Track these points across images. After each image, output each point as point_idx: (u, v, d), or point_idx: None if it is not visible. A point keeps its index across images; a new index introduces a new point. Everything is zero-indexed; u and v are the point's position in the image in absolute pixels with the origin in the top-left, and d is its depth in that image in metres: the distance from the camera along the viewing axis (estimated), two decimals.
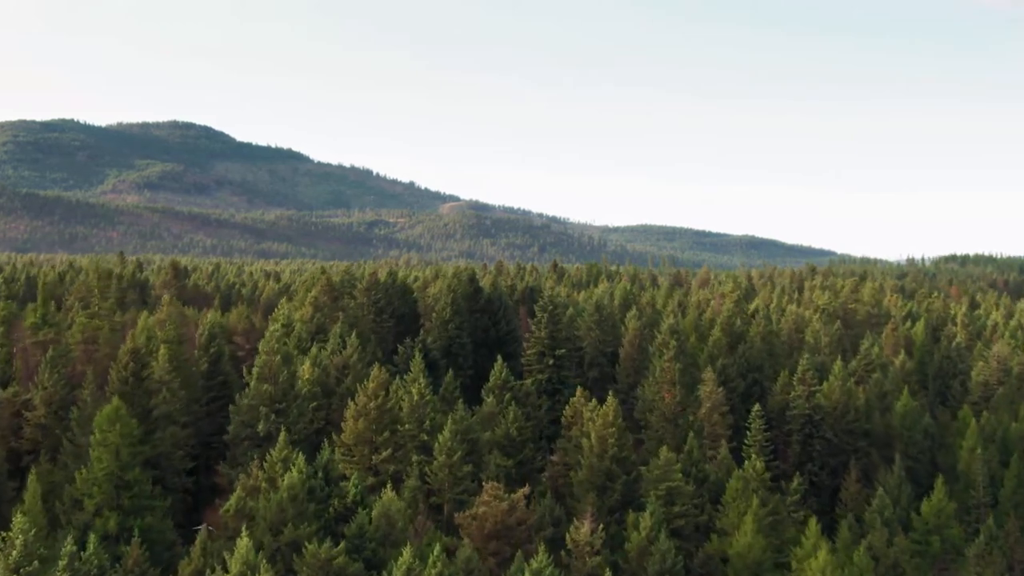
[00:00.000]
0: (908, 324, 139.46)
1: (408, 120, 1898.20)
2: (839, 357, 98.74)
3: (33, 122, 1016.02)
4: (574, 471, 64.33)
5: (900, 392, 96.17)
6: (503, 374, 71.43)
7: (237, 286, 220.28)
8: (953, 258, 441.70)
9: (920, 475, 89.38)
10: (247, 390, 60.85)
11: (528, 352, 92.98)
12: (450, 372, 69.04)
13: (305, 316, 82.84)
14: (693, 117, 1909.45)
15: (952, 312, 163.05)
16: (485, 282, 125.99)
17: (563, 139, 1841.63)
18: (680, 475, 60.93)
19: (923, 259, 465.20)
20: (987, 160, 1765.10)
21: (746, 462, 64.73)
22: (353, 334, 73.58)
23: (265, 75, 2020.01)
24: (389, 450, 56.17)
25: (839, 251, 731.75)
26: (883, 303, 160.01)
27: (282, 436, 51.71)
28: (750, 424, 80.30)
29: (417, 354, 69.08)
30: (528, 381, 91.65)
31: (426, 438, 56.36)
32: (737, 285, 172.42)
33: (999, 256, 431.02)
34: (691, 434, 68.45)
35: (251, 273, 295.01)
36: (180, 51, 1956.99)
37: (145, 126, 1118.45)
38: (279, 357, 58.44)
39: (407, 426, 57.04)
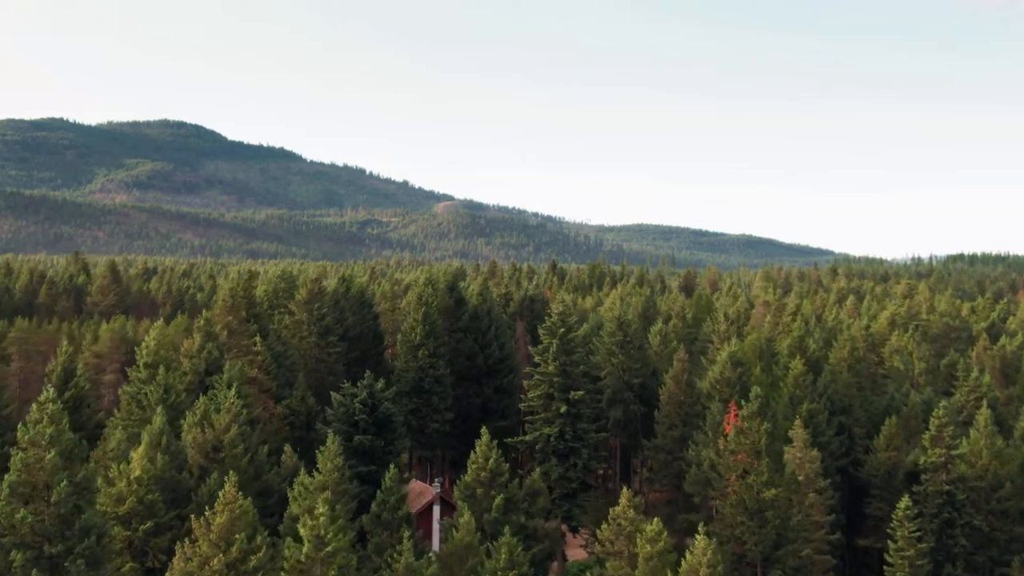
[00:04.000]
0: (1005, 340, 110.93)
1: (402, 119, 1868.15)
2: (985, 404, 69.80)
3: (22, 121, 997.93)
4: None
5: None
6: (492, 461, 42.14)
7: (192, 290, 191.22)
8: (961, 257, 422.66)
9: None
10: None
11: (531, 394, 64.61)
12: (391, 470, 39.10)
13: (191, 348, 54.57)
14: (690, 117, 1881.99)
15: None
16: (473, 289, 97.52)
17: (559, 139, 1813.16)
18: None
19: (931, 258, 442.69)
20: (983, 160, 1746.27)
21: None
22: (233, 388, 44.60)
23: (258, 74, 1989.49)
24: None
25: (837, 250, 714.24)
26: (962, 313, 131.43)
27: None
28: (895, 529, 51.74)
29: (331, 439, 39.47)
30: (528, 439, 63.27)
31: None
32: (778, 289, 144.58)
33: (1008, 255, 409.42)
34: None
35: (226, 274, 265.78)
36: (172, 50, 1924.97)
37: (135, 125, 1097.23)
38: (54, 452, 30.08)
39: None
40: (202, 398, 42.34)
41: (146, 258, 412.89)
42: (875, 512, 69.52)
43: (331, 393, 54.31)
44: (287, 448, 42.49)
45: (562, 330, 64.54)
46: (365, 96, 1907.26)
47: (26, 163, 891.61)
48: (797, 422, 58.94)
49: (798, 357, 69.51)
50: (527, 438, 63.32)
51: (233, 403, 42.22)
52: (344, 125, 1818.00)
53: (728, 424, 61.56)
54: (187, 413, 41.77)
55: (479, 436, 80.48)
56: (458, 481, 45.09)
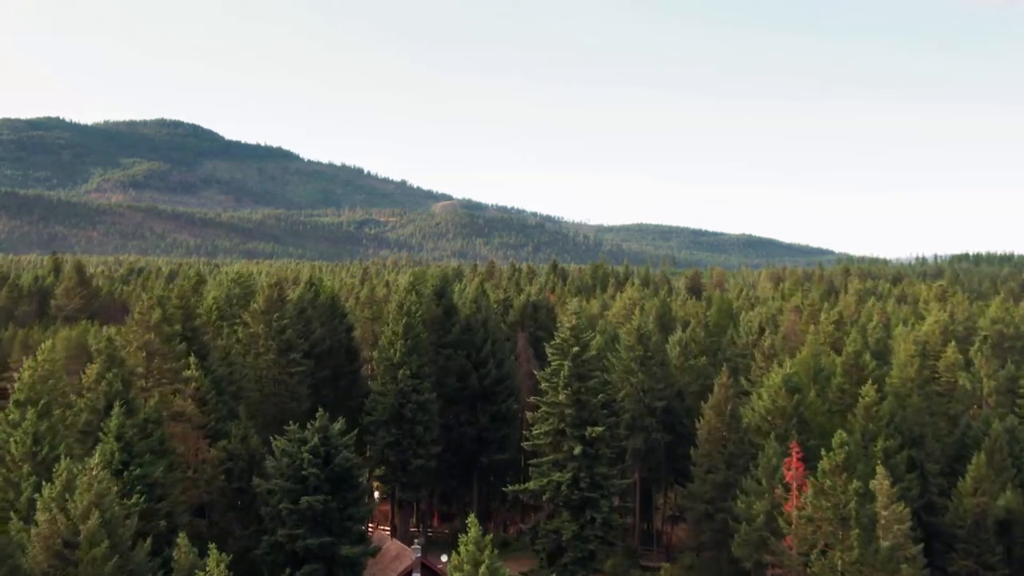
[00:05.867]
0: None
1: (401, 119, 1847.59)
2: None
3: (18, 120, 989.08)
4: None
5: None
6: (485, 568, 27.52)
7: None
8: (965, 257, 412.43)
9: None
10: None
11: (536, 430, 51.35)
12: None
13: (88, 380, 41.41)
14: (690, 117, 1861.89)
15: None
16: (468, 293, 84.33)
17: (558, 139, 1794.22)
18: None
19: (936, 258, 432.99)
20: (982, 160, 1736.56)
21: None
22: (97, 453, 30.95)
23: (257, 74, 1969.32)
24: None
25: (837, 250, 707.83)
26: (1016, 318, 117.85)
27: None
28: None
29: (214, 559, 25.59)
30: (532, 487, 49.97)
31: None
32: (810, 292, 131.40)
33: (1013, 255, 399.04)
34: None
35: (216, 275, 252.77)
36: (171, 50, 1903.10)
37: (132, 124, 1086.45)
38: None
39: None
40: (64, 462, 28.98)
41: (136, 258, 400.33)
42: (960, 570, 56.63)
43: (272, 438, 41.01)
44: (181, 539, 29.26)
45: (575, 349, 51.20)
46: (364, 96, 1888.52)
47: (22, 162, 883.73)
48: (880, 469, 45.68)
49: (869, 382, 56.10)
50: (531, 486, 50.06)
51: (98, 474, 28.81)
52: (342, 125, 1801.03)
53: (789, 470, 48.44)
54: (45, 485, 28.52)
55: (472, 471, 67.51)
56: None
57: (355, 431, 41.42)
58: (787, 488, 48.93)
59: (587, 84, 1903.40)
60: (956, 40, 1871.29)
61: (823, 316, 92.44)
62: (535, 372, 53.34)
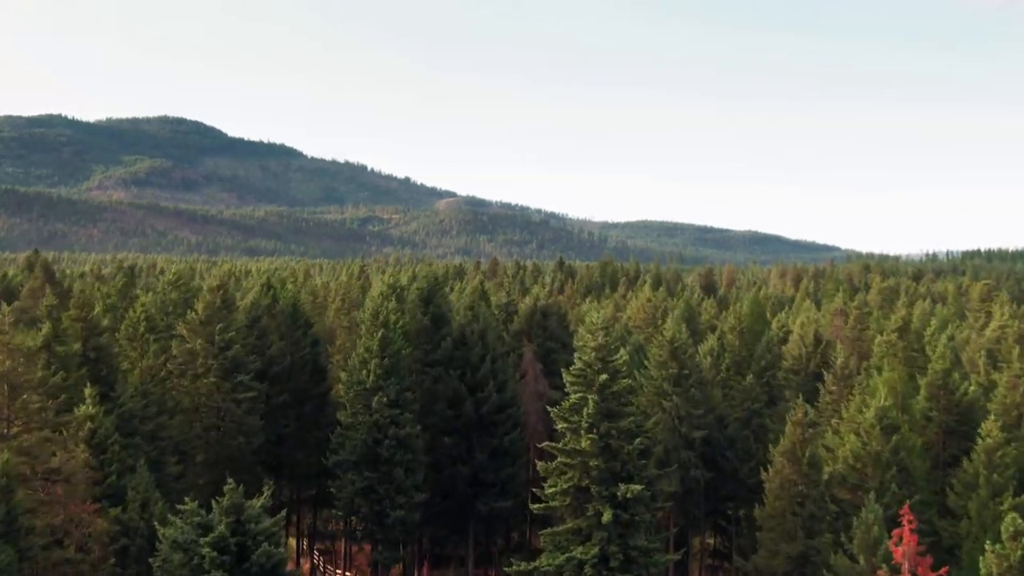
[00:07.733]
0: None
1: (402, 119, 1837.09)
2: None
3: (19, 117, 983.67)
4: None
5: None
6: None
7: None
8: (977, 254, 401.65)
9: None
10: None
11: (550, 488, 37.99)
12: None
13: None
14: (690, 117, 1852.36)
15: None
16: (466, 298, 71.01)
17: (559, 138, 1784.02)
18: None
19: (948, 254, 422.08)
20: (982, 159, 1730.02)
21: None
22: None
23: (258, 73, 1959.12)
24: None
25: (843, 247, 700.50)
26: None
27: None
28: None
29: None
30: (544, 566, 36.69)
31: None
32: (858, 293, 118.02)
33: None
34: None
35: (211, 274, 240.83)
36: (172, 49, 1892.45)
37: (135, 121, 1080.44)
38: None
39: None
40: None
41: (137, 255, 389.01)
42: None
43: (169, 515, 27.92)
44: None
45: (603, 377, 37.77)
46: (365, 95, 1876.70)
47: (23, 160, 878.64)
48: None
49: (991, 418, 42.50)
50: (542, 564, 36.74)
51: None
52: (344, 123, 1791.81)
53: (897, 545, 35.19)
54: None
55: (467, 521, 54.25)
56: None
57: (284, 510, 28.57)
58: (896, 571, 35.79)
59: (587, 84, 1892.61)
60: (956, 40, 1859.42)
61: (884, 322, 78.96)
62: (552, 412, 40.04)
